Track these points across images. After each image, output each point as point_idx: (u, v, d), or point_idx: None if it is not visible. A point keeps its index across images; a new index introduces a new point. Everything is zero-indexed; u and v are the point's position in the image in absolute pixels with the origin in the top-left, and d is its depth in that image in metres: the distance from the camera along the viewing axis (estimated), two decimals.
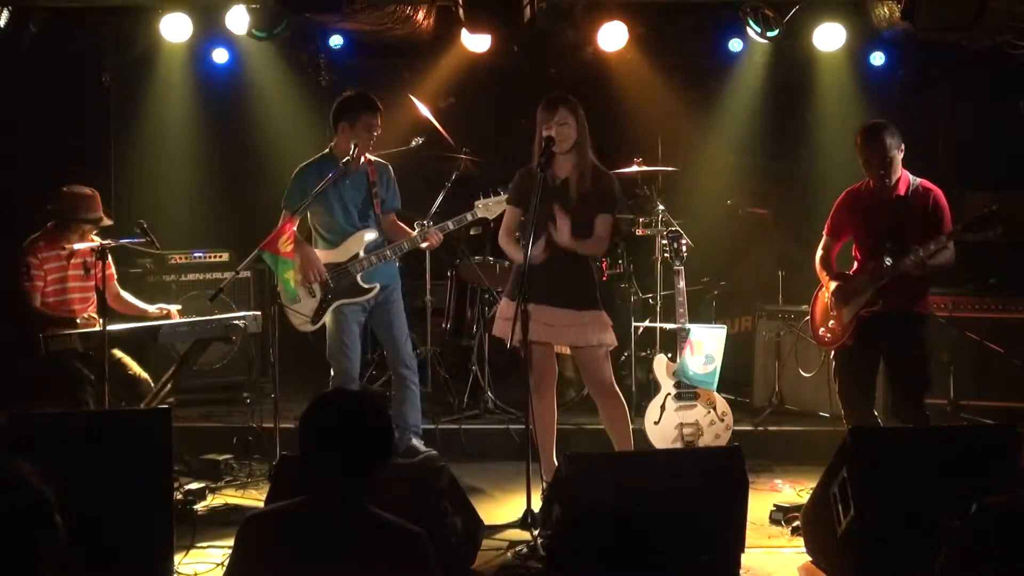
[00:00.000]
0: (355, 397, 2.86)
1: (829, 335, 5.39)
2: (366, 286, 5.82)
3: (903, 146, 5.20)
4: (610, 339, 5.22)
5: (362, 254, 5.81)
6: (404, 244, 5.86)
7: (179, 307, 6.10)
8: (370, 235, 5.84)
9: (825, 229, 5.49)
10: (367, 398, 3.00)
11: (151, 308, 6.06)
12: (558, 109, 5.08)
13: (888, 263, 5.14)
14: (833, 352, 5.47)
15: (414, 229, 5.92)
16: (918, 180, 5.26)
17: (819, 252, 5.49)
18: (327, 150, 5.89)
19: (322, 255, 5.82)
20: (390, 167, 6.02)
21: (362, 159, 5.84)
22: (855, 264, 5.39)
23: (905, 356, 5.24)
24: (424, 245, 5.91)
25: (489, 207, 5.77)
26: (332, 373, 5.88)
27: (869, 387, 5.36)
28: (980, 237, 5.04)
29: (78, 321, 5.74)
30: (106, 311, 5.43)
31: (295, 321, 5.87)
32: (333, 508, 2.65)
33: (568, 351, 5.35)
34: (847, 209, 5.40)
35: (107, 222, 5.93)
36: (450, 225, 5.86)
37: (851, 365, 5.35)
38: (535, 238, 4.90)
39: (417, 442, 5.94)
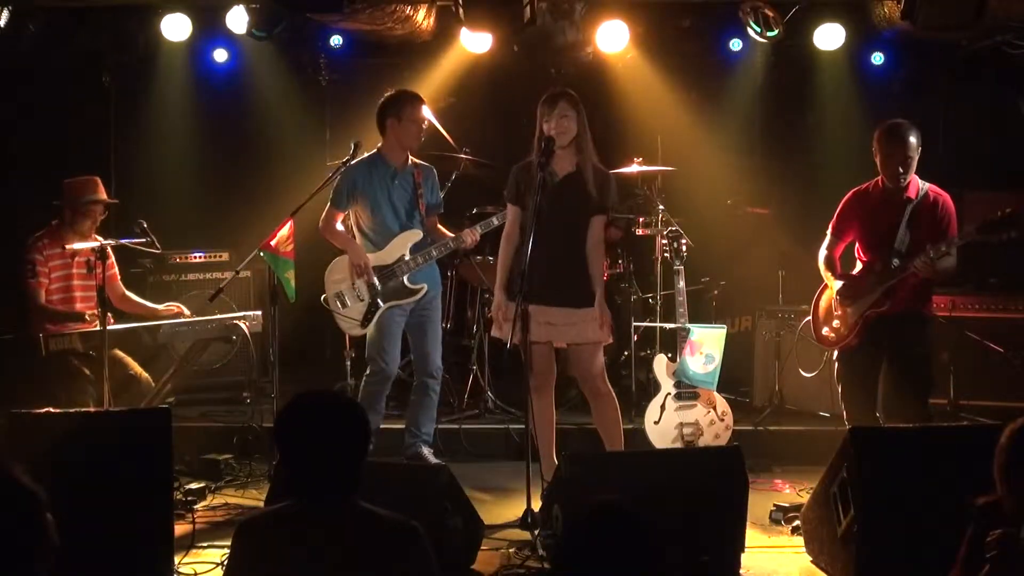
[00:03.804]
0: (323, 397, 2.84)
1: (833, 335, 5.39)
2: (414, 287, 5.80)
3: (920, 149, 5.20)
4: (606, 337, 5.25)
5: (408, 255, 5.79)
6: (449, 243, 5.85)
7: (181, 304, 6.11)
8: (415, 236, 5.83)
9: (829, 228, 5.48)
10: (336, 396, 3.00)
11: (160, 307, 6.05)
12: (559, 102, 5.10)
13: (895, 264, 5.14)
14: (836, 352, 5.47)
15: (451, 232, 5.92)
16: (927, 185, 5.25)
17: (823, 251, 5.49)
18: (375, 150, 5.86)
19: (370, 257, 5.81)
20: (434, 170, 6.02)
21: (408, 161, 5.85)
22: (858, 264, 5.39)
23: (910, 357, 5.23)
24: (465, 244, 5.88)
25: None
26: (367, 372, 5.88)
27: (872, 388, 5.35)
28: (994, 239, 5.02)
29: (87, 317, 5.74)
30: (106, 310, 5.43)
31: (343, 325, 5.84)
32: (324, 507, 2.65)
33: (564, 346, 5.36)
34: (854, 209, 5.40)
35: (112, 200, 5.99)
36: (495, 221, 5.81)
37: (855, 365, 5.34)
38: (535, 237, 4.90)
39: (426, 451, 5.93)
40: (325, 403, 2.77)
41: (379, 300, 5.78)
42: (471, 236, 5.84)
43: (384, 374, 5.83)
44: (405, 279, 5.79)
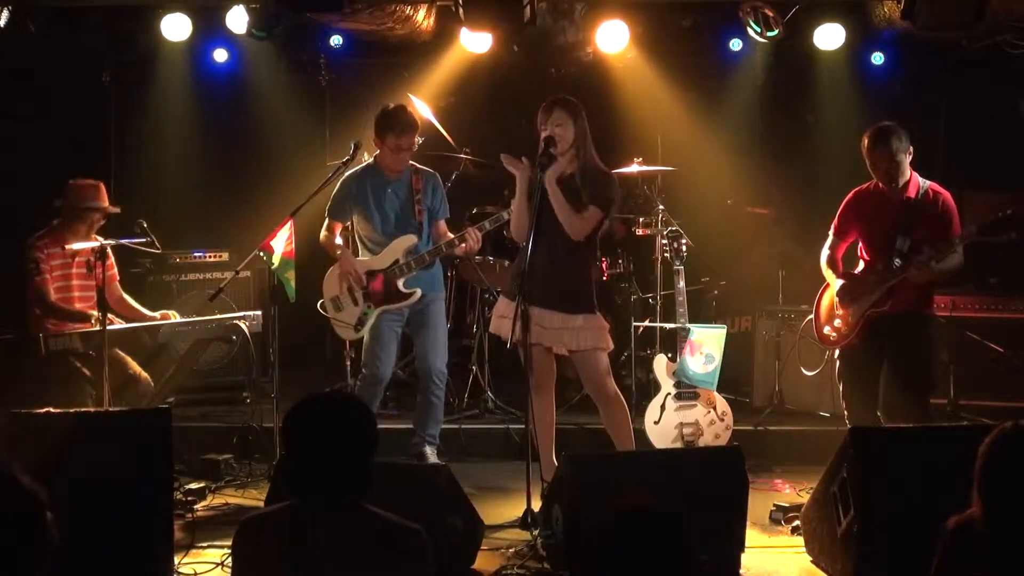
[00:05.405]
0: (334, 397, 2.86)
1: (834, 334, 5.39)
2: (406, 291, 5.81)
3: (911, 149, 5.19)
4: (605, 343, 5.20)
5: (402, 260, 5.80)
6: (442, 247, 5.82)
7: (174, 312, 6.09)
8: (409, 241, 5.82)
9: (831, 228, 5.49)
10: (346, 397, 3.00)
11: (155, 315, 6.02)
12: (554, 110, 5.08)
13: (897, 264, 5.14)
14: (838, 352, 5.47)
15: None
16: (927, 183, 5.25)
17: (825, 251, 5.49)
18: (371, 159, 5.91)
19: (364, 263, 5.84)
20: (438, 176, 6.01)
21: (403, 168, 5.84)
22: (861, 264, 5.39)
23: (911, 358, 5.23)
24: (461, 247, 5.79)
25: None
26: (360, 375, 5.93)
27: (873, 387, 5.35)
28: (994, 240, 5.02)
29: (92, 317, 5.72)
30: (106, 311, 5.43)
31: (339, 330, 5.90)
32: (327, 508, 2.65)
33: (567, 353, 5.34)
34: (854, 210, 5.40)
35: (114, 210, 5.96)
36: (487, 225, 5.80)
37: (856, 365, 5.34)
38: (535, 239, 4.90)
39: (428, 451, 5.92)
40: (335, 403, 2.78)
41: (371, 305, 5.79)
42: (472, 236, 5.74)
43: (375, 378, 5.83)
44: (399, 283, 5.79)
